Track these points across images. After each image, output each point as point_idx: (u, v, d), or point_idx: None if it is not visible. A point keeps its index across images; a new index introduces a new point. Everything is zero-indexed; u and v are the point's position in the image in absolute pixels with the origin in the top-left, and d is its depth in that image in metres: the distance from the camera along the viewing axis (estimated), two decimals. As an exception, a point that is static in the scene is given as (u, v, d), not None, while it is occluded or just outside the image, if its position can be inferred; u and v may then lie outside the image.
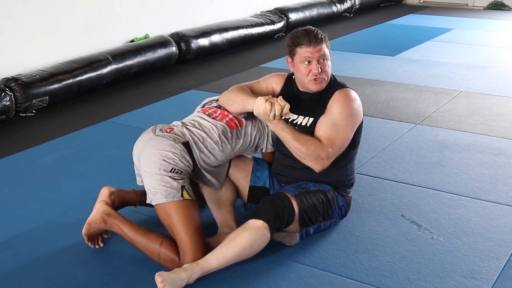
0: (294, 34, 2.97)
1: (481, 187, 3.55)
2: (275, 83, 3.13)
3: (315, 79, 2.91)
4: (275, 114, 2.79)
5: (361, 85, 5.59)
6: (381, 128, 4.50)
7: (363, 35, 8.08)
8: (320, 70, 2.89)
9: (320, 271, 2.76)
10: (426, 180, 3.64)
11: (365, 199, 3.40)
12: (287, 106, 2.81)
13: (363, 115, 3.05)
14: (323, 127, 2.89)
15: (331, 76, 3.01)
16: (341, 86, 2.99)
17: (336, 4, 9.06)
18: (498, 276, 2.71)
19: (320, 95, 2.96)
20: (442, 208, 3.30)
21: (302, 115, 3.00)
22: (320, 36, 2.91)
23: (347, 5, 9.27)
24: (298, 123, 3.00)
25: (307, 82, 2.94)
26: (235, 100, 2.99)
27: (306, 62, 2.90)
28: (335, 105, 2.91)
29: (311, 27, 3.00)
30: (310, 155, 2.83)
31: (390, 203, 3.37)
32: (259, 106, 2.82)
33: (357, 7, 9.52)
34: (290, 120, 3.00)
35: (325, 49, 2.91)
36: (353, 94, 2.98)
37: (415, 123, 4.60)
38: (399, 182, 3.62)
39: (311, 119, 2.97)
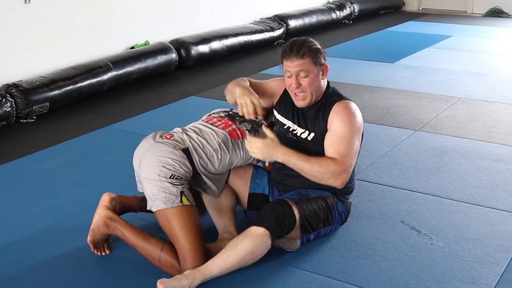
0: (284, 45, 2.96)
1: (480, 193, 3.56)
2: (277, 87, 3.14)
3: (296, 94, 2.92)
4: (251, 114, 2.88)
5: (361, 91, 5.61)
6: (380, 135, 4.52)
7: (362, 42, 8.10)
8: (297, 85, 2.87)
9: (320, 276, 2.76)
10: (426, 186, 3.65)
11: (364, 205, 3.41)
12: (259, 105, 2.89)
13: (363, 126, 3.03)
14: (332, 145, 2.86)
15: (330, 88, 2.99)
16: (339, 98, 2.96)
17: (336, 11, 9.09)
18: (498, 281, 2.71)
19: (317, 108, 2.95)
20: (441, 214, 3.32)
21: (301, 127, 3.00)
22: (302, 51, 2.84)
23: (346, 12, 9.31)
24: (298, 134, 3.00)
25: (291, 96, 2.97)
26: (229, 90, 3.06)
27: (288, 76, 2.90)
28: (336, 119, 2.89)
29: (302, 39, 2.93)
30: (326, 173, 2.80)
31: (390, 209, 3.38)
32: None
33: (356, 14, 9.54)
34: (286, 127, 3.03)
35: (307, 64, 2.85)
36: (353, 105, 2.95)
37: (414, 129, 4.62)
38: (398, 188, 3.63)
39: (312, 134, 2.97)
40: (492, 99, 5.35)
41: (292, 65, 2.86)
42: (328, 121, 2.91)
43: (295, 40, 2.93)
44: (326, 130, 2.91)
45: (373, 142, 4.35)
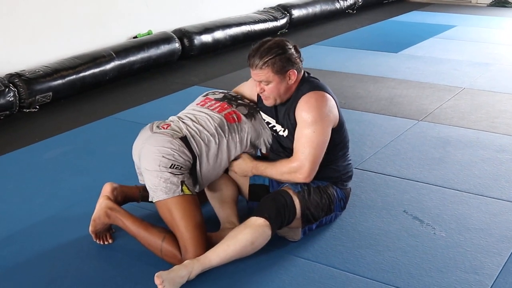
0: (251, 47, 2.96)
1: (484, 183, 3.55)
2: (253, 91, 3.15)
3: (262, 96, 2.96)
4: None
5: (364, 81, 5.60)
6: (384, 125, 4.51)
7: (366, 32, 8.07)
8: (261, 90, 2.92)
9: (322, 265, 2.77)
10: (429, 176, 3.64)
11: (367, 195, 3.41)
12: None
13: (340, 114, 2.98)
14: (295, 141, 2.90)
15: (303, 82, 2.95)
16: (308, 90, 2.91)
17: (339, 1, 9.03)
18: (500, 271, 2.72)
19: (288, 105, 2.95)
20: (444, 204, 3.31)
21: (279, 124, 3.03)
22: (261, 62, 2.83)
23: (350, 1, 9.25)
24: (277, 130, 3.04)
25: None
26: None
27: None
28: (298, 114, 2.89)
29: (267, 46, 2.89)
30: (287, 172, 2.89)
31: (393, 199, 3.38)
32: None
33: (360, 3, 9.50)
34: (265, 122, 3.07)
35: (267, 74, 2.84)
36: (318, 95, 2.89)
37: (418, 119, 4.61)
38: (401, 178, 3.63)
39: (287, 131, 3.00)
40: (496, 89, 5.33)
41: (253, 73, 2.91)
42: (295, 114, 2.91)
43: (260, 46, 2.90)
44: (296, 124, 2.92)
45: (377, 132, 4.34)
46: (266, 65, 2.83)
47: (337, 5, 8.98)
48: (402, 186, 3.53)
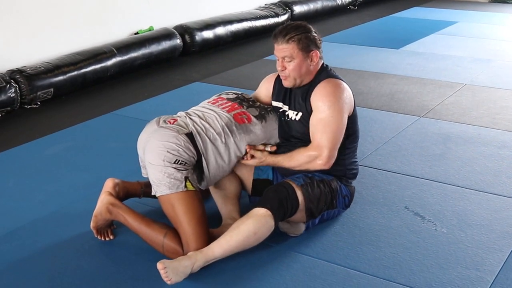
0: (278, 27, 3.01)
1: (485, 179, 3.55)
2: (268, 84, 3.19)
3: (282, 75, 2.97)
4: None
5: (365, 78, 5.59)
6: (385, 121, 4.51)
7: (368, 28, 8.06)
8: (282, 68, 2.93)
9: (323, 262, 2.77)
10: (430, 172, 3.64)
11: (369, 191, 3.41)
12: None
13: (355, 105, 3.02)
14: (312, 128, 2.93)
15: (323, 70, 2.99)
16: (326, 77, 2.97)
17: (341, -3, 9.04)
18: (501, 267, 2.72)
19: (306, 89, 2.98)
20: (445, 200, 3.31)
21: (292, 109, 3.04)
22: (288, 36, 2.89)
23: (351, -3, 9.25)
24: (289, 116, 3.04)
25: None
26: None
27: (276, 57, 2.96)
28: (315, 98, 2.92)
29: (295, 24, 2.98)
30: (306, 162, 2.91)
31: (394, 195, 3.38)
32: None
33: (361, 0, 9.49)
34: (281, 111, 3.07)
35: (292, 50, 2.89)
36: (335, 83, 2.95)
37: (419, 115, 4.61)
38: (403, 174, 3.63)
39: (300, 114, 3.00)
40: (498, 86, 5.32)
41: (277, 49, 2.94)
42: (311, 100, 2.94)
43: (288, 24, 2.98)
44: (311, 110, 2.94)
45: (378, 129, 4.34)
46: (292, 40, 2.89)
47: (339, 1, 8.96)
48: (403, 182, 3.53)
